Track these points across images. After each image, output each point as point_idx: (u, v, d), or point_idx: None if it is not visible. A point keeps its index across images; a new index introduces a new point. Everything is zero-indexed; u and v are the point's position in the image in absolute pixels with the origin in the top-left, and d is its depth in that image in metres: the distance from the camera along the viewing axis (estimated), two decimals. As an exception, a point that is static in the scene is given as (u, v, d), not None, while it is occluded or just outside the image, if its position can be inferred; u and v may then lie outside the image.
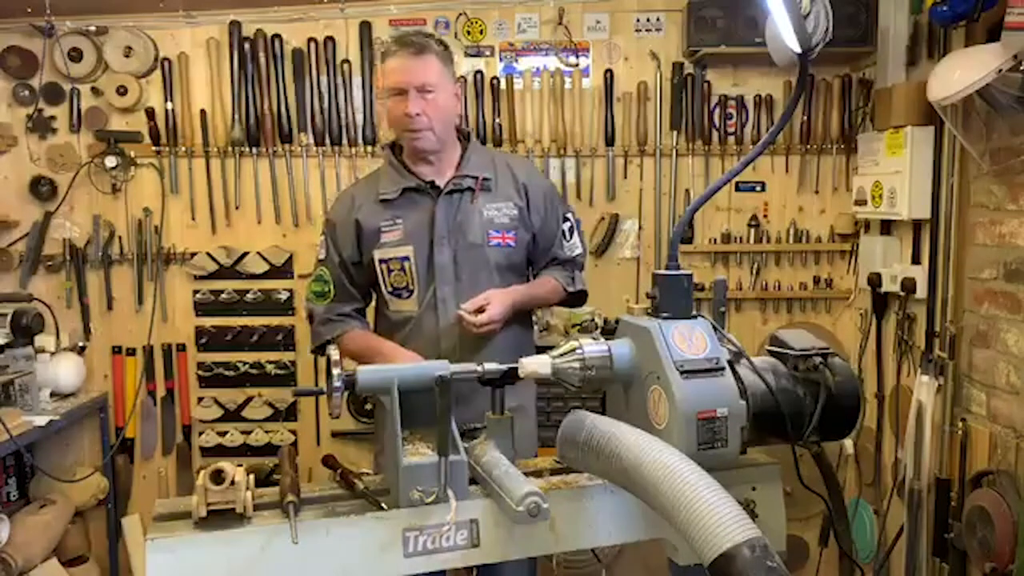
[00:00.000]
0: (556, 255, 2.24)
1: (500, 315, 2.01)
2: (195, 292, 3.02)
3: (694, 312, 1.33)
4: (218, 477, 1.19)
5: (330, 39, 2.93)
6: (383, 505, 1.26)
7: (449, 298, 2.08)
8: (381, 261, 2.11)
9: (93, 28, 2.88)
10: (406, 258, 2.09)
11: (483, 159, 2.20)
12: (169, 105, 2.93)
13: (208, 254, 3.00)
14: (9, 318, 2.61)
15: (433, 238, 2.09)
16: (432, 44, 2.06)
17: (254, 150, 2.95)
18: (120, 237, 2.99)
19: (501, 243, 2.12)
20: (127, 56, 2.90)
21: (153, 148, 2.95)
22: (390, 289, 2.14)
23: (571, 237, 2.26)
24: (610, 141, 2.98)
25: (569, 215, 2.28)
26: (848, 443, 2.90)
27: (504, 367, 1.38)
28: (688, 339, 1.27)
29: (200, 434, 3.05)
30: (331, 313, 2.16)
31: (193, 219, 3.00)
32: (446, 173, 2.14)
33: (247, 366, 3.03)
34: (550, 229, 2.22)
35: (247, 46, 2.90)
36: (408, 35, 2.10)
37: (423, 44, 2.04)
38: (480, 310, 2.00)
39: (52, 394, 2.78)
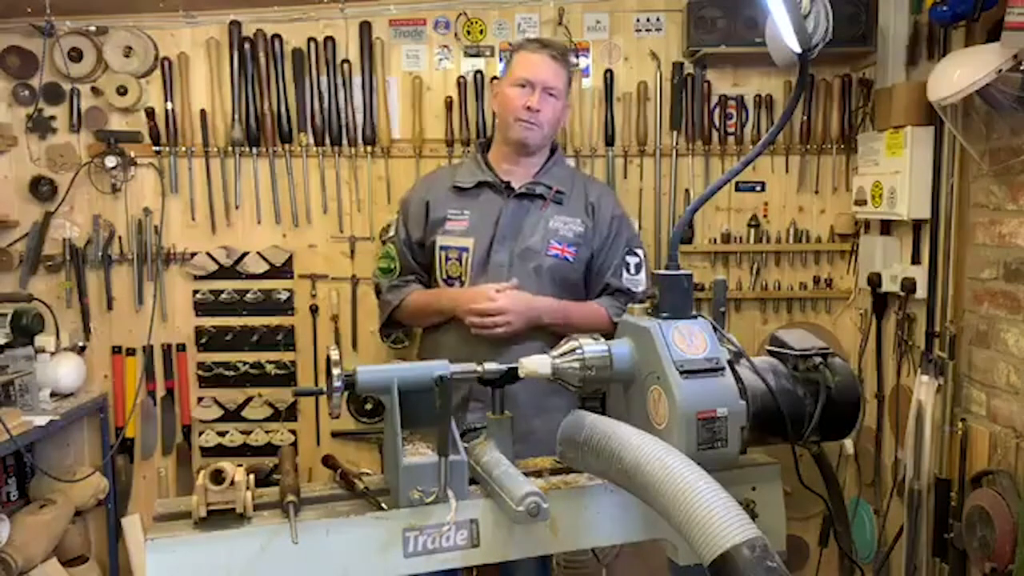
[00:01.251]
0: (611, 283, 2.23)
1: (511, 307, 2.02)
2: (195, 292, 3.02)
3: (694, 312, 1.33)
4: (218, 477, 1.19)
5: (330, 39, 2.93)
6: (383, 505, 1.26)
7: None
8: (441, 248, 2.19)
9: (93, 28, 2.88)
10: (465, 249, 2.14)
11: (563, 173, 2.29)
12: (169, 105, 2.93)
13: (208, 254, 3.00)
14: (9, 318, 2.62)
15: (495, 236, 2.14)
16: (569, 59, 2.23)
17: (254, 150, 2.95)
18: (120, 237, 2.99)
19: (559, 255, 2.16)
20: (127, 56, 2.90)
21: (153, 148, 2.95)
22: (444, 276, 2.20)
23: (636, 272, 2.25)
24: (610, 141, 2.98)
25: (639, 251, 2.28)
26: (848, 443, 2.90)
27: (504, 367, 1.38)
28: (688, 339, 1.27)
29: (200, 434, 3.05)
30: (396, 281, 2.27)
31: (193, 219, 3.00)
32: (524, 177, 2.21)
33: (247, 366, 3.03)
34: (610, 254, 2.23)
35: (247, 46, 2.90)
36: (552, 41, 2.28)
37: (563, 54, 2.21)
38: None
39: (52, 394, 2.77)
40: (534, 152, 2.22)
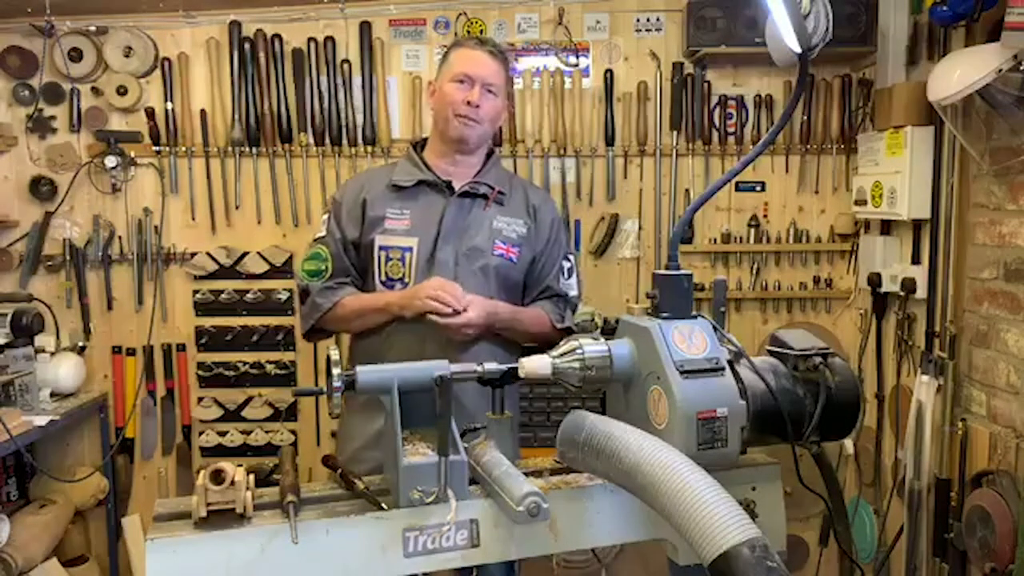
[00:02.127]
0: (550, 287, 2.19)
1: (477, 319, 1.96)
2: (195, 292, 3.02)
3: (694, 312, 1.33)
4: (218, 477, 1.19)
5: (330, 39, 2.93)
6: (383, 505, 1.26)
7: None
8: (381, 248, 2.09)
9: (93, 28, 2.88)
10: (409, 249, 2.07)
11: (502, 174, 2.24)
12: (169, 105, 2.94)
13: (208, 254, 3.00)
14: (9, 318, 2.62)
15: (439, 235, 2.07)
16: (506, 57, 2.19)
17: (254, 150, 2.95)
18: (120, 237, 2.99)
19: (504, 254, 2.12)
20: (127, 56, 2.90)
21: (153, 148, 2.95)
22: (383, 278, 2.09)
23: (569, 277, 2.23)
24: (610, 141, 2.98)
25: (571, 256, 2.25)
26: (848, 443, 2.90)
27: (504, 367, 1.38)
28: (688, 339, 1.27)
29: (200, 434, 3.05)
30: (329, 284, 2.11)
31: (193, 219, 3.00)
32: (464, 177, 2.16)
33: (247, 366, 3.03)
34: (550, 257, 2.20)
35: (247, 46, 2.90)
36: (488, 39, 2.23)
37: (501, 52, 2.17)
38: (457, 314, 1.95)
39: (52, 394, 2.78)
40: (473, 151, 2.16)
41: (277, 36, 2.91)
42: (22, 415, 2.54)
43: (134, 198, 2.99)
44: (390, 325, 2.07)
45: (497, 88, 2.12)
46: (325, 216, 2.19)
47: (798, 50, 1.39)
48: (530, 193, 2.24)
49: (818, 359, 1.32)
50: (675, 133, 2.98)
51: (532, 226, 2.17)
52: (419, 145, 2.24)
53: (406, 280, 2.08)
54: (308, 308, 2.12)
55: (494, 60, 2.13)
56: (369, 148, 2.96)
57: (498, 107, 2.15)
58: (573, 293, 2.22)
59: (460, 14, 2.95)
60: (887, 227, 2.78)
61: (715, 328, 1.32)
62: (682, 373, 1.22)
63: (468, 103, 2.08)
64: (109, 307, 3.02)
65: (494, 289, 2.10)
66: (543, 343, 2.02)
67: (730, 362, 1.28)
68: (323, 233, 2.15)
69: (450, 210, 2.09)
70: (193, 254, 3.01)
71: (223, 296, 3.02)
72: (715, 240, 3.05)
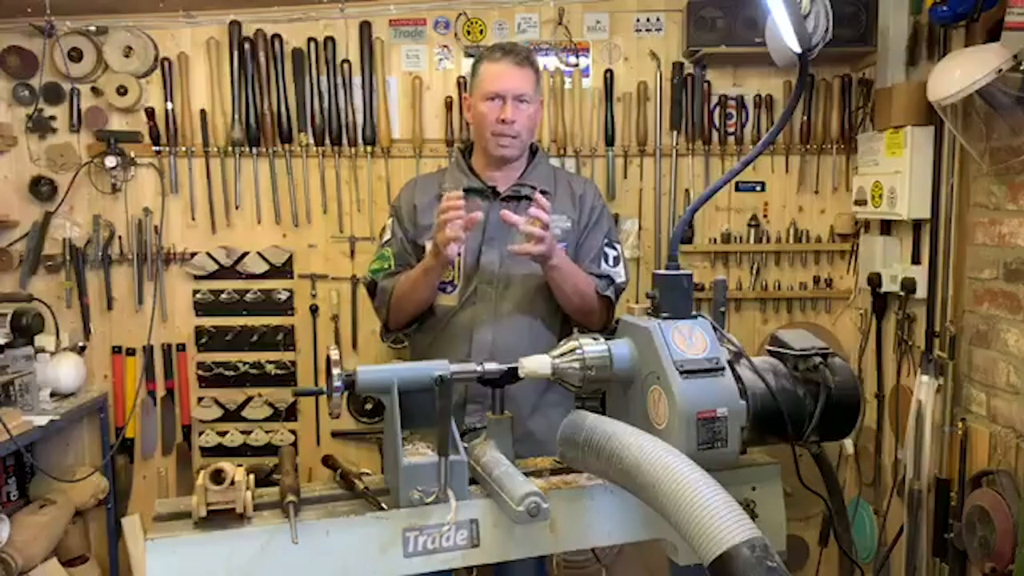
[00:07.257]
0: (591, 270, 2.20)
1: (549, 242, 1.99)
2: (195, 292, 3.02)
3: (694, 312, 1.33)
4: (218, 477, 1.19)
5: (330, 39, 2.93)
6: (383, 505, 1.26)
7: (489, 296, 2.14)
8: None
9: (93, 28, 2.88)
10: (456, 253, 2.12)
11: (546, 172, 2.29)
12: (169, 105, 2.93)
13: (208, 254, 3.00)
14: (9, 318, 2.62)
15: (484, 239, 2.15)
16: (532, 59, 2.20)
17: (254, 150, 2.95)
18: (120, 237, 2.99)
19: None
20: (127, 56, 2.90)
21: (153, 148, 2.95)
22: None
23: (615, 265, 2.24)
24: (610, 141, 2.98)
25: (617, 245, 2.27)
26: (848, 443, 2.90)
27: (504, 367, 1.38)
28: (688, 339, 1.27)
29: (200, 434, 3.05)
30: (390, 271, 2.23)
31: (193, 219, 3.00)
32: (509, 180, 2.23)
33: (247, 366, 3.03)
34: (589, 242, 2.23)
35: (247, 46, 2.90)
36: (513, 45, 2.24)
37: (526, 56, 2.19)
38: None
39: (52, 394, 2.77)
40: (518, 157, 2.23)
41: (277, 36, 2.91)
42: (22, 415, 2.54)
43: (134, 198, 2.98)
44: (429, 325, 2.19)
45: (529, 95, 2.17)
46: (389, 221, 2.32)
47: (798, 50, 1.39)
48: (574, 184, 2.29)
49: (818, 359, 1.32)
50: (675, 133, 2.97)
51: (575, 217, 2.22)
52: (467, 151, 2.32)
53: (455, 282, 2.17)
54: (379, 297, 2.24)
55: (520, 68, 2.16)
56: (369, 148, 2.95)
57: (532, 114, 2.19)
58: (619, 280, 2.23)
59: (460, 14, 2.95)
60: (887, 227, 2.78)
61: (715, 328, 1.32)
62: (682, 373, 1.22)
63: (503, 121, 2.11)
64: (109, 307, 3.02)
65: (541, 286, 2.14)
66: (588, 310, 2.15)
67: (730, 362, 1.28)
68: (389, 237, 2.29)
69: (493, 214, 2.14)
70: (193, 254, 3.00)
71: (223, 296, 3.02)
72: (715, 240, 3.05)
